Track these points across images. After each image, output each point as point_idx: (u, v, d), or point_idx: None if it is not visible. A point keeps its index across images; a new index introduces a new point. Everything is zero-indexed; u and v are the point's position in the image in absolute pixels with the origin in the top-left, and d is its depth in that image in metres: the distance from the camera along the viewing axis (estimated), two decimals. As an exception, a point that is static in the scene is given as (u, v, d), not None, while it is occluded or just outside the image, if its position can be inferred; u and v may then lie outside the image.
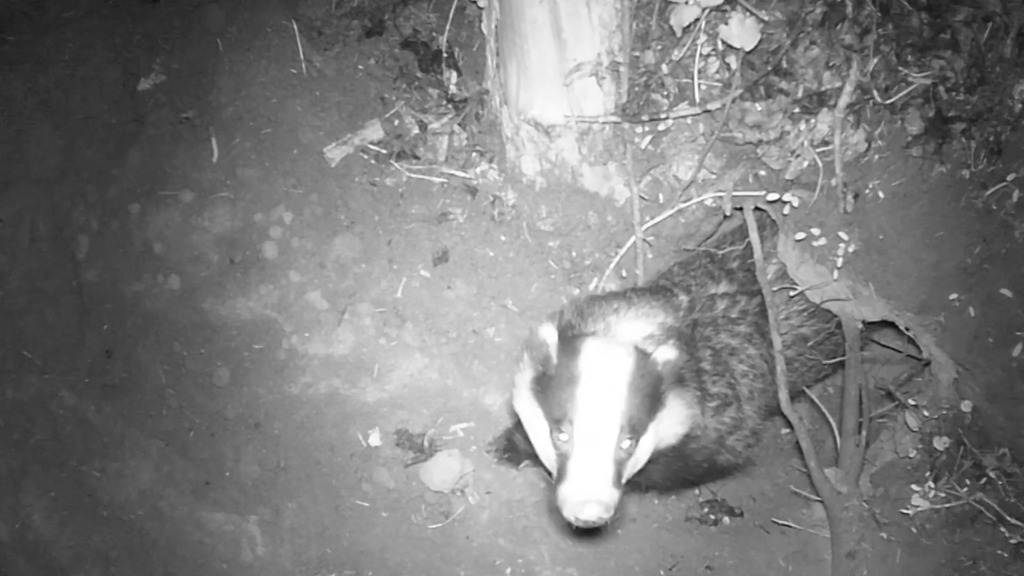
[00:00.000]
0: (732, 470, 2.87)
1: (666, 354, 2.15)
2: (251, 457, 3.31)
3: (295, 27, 3.56)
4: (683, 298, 2.72)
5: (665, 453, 2.36)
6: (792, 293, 2.92)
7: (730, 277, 2.91)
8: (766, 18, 2.67)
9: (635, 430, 2.07)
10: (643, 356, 2.15)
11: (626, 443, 2.05)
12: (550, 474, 2.17)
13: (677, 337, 2.42)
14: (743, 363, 2.74)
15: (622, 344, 2.24)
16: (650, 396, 2.11)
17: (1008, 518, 2.71)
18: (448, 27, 3.49)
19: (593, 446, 2.02)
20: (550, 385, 2.12)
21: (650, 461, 2.23)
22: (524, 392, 2.23)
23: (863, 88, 2.76)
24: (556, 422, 2.08)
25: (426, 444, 3.19)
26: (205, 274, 3.44)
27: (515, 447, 3.09)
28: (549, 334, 2.17)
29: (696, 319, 2.67)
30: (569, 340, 2.20)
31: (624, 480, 2.08)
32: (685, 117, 2.92)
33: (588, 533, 3.14)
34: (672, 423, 2.27)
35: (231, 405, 3.35)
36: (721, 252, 3.00)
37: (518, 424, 2.43)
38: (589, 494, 1.97)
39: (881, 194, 2.88)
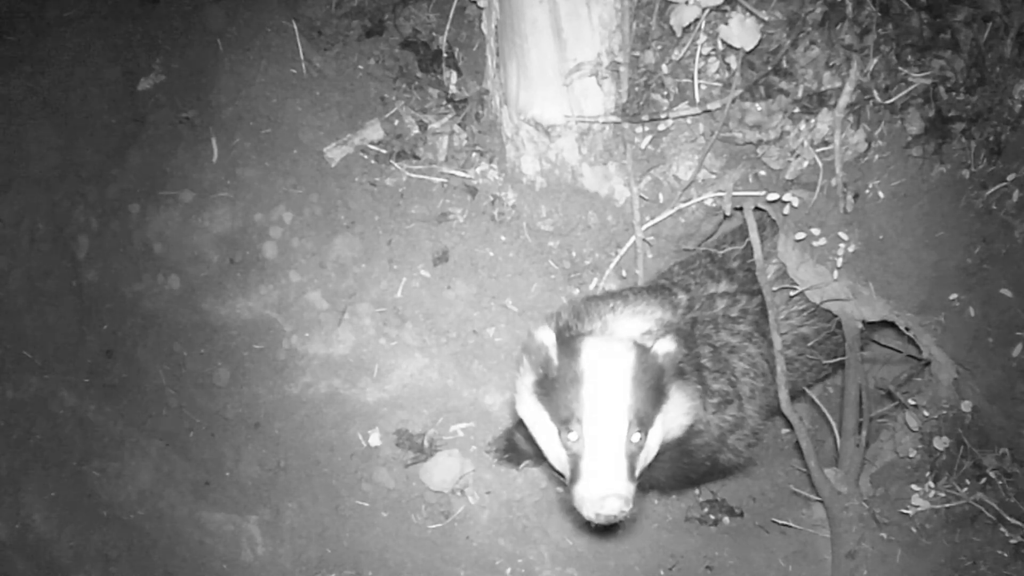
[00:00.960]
0: (734, 469, 2.88)
1: (665, 346, 2.15)
2: (251, 457, 3.31)
3: (295, 27, 3.56)
4: (682, 296, 2.73)
5: (671, 447, 2.36)
6: (792, 293, 2.92)
7: (730, 276, 2.91)
8: (766, 18, 2.67)
9: (643, 423, 2.07)
10: (643, 350, 2.16)
11: (636, 436, 2.05)
12: (562, 476, 2.17)
13: (675, 333, 2.42)
14: (743, 361, 2.74)
15: (620, 341, 2.24)
16: (654, 389, 2.12)
17: (1008, 518, 2.71)
18: (448, 27, 3.49)
19: (604, 442, 2.02)
20: (553, 387, 2.12)
21: (656, 458, 2.23)
22: (527, 396, 2.23)
23: (863, 88, 2.76)
24: (564, 423, 2.08)
25: (426, 444, 3.19)
26: (205, 274, 3.44)
27: (515, 447, 3.09)
28: (547, 336, 2.17)
29: (695, 317, 2.67)
30: (568, 341, 2.20)
31: (637, 474, 2.08)
32: (685, 117, 2.92)
33: (588, 533, 3.14)
34: (677, 415, 2.27)
35: (231, 405, 3.35)
36: (721, 252, 3.00)
37: (518, 424, 2.42)
38: (607, 489, 1.97)
39: (881, 194, 2.88)
